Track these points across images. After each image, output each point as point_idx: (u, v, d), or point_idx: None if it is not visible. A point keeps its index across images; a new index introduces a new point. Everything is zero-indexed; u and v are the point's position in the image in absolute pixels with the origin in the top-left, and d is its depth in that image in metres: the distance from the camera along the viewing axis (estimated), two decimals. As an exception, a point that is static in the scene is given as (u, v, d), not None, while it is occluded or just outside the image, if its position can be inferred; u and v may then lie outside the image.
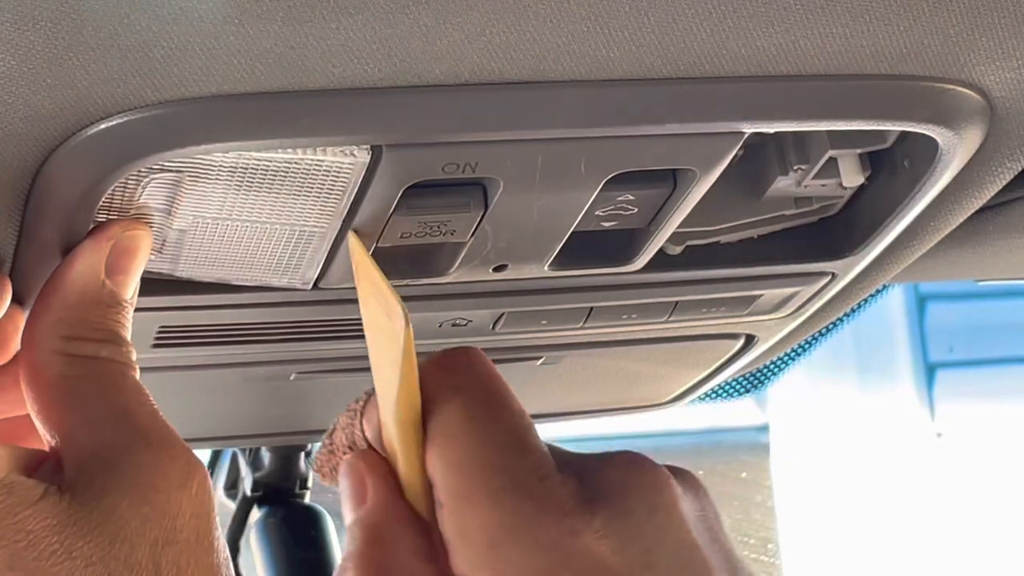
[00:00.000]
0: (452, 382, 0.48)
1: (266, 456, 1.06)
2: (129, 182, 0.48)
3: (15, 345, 0.52)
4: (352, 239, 0.51)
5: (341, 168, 0.48)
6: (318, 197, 0.49)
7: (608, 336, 0.67)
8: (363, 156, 0.48)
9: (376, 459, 0.50)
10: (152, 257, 0.51)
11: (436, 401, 0.48)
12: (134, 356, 0.49)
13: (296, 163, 0.48)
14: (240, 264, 0.53)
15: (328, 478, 0.54)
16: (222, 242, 0.51)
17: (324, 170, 0.48)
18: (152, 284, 0.53)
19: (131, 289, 0.50)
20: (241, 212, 0.50)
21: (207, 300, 0.56)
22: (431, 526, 0.47)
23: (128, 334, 0.50)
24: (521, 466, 0.47)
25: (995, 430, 2.96)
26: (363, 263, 0.49)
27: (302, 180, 0.49)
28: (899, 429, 2.95)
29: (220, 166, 0.48)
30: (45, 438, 0.48)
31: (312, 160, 0.48)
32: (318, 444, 0.53)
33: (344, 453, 0.52)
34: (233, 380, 0.69)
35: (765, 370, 1.15)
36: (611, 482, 0.48)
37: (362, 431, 0.51)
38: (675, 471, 0.50)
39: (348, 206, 0.50)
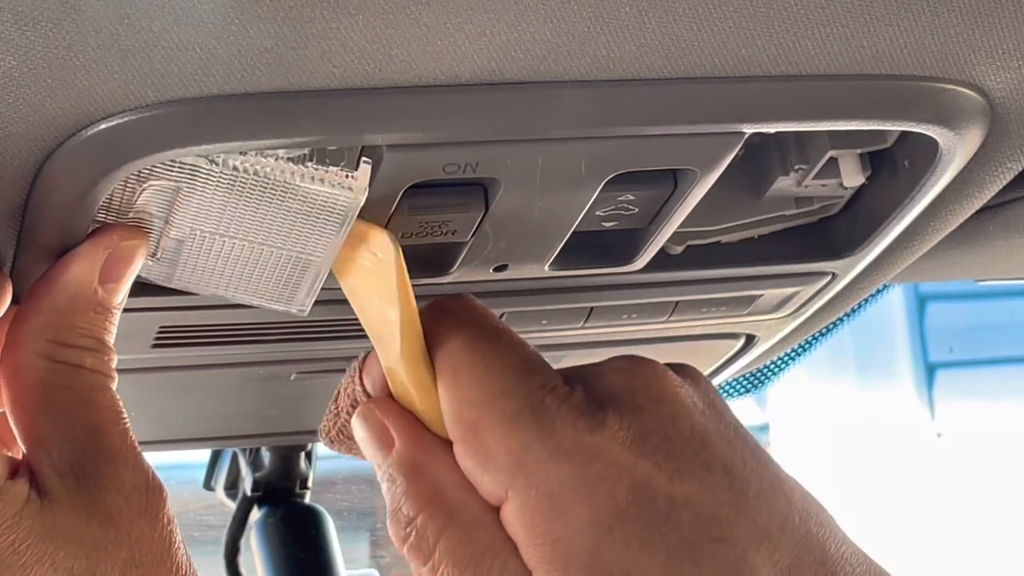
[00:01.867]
0: (451, 322, 0.51)
1: (266, 456, 1.06)
2: (128, 185, 0.48)
3: None
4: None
5: (337, 201, 0.48)
6: (314, 225, 0.49)
7: (608, 336, 0.67)
8: (360, 192, 0.48)
9: (389, 403, 0.52)
10: (148, 263, 0.51)
11: (438, 340, 0.50)
12: (115, 363, 0.50)
13: (293, 189, 0.48)
14: (235, 283, 0.52)
15: (337, 443, 0.54)
16: (218, 258, 0.51)
17: (321, 201, 0.48)
18: (153, 284, 0.53)
19: (122, 296, 0.50)
20: (237, 230, 0.50)
21: (207, 300, 0.56)
22: None
23: (112, 340, 0.50)
24: (530, 386, 0.49)
25: (995, 430, 2.96)
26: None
27: (299, 206, 0.49)
28: (899, 429, 2.95)
29: (219, 180, 0.47)
30: (18, 441, 0.48)
31: (309, 189, 0.48)
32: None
33: (348, 415, 0.52)
34: (233, 380, 0.69)
35: (765, 370, 1.15)
36: (615, 383, 0.51)
37: (363, 387, 0.52)
38: (672, 365, 0.52)
39: (344, 239, 0.50)
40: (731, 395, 1.20)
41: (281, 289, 0.52)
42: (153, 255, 0.51)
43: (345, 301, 0.57)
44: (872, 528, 2.82)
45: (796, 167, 0.56)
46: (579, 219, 0.54)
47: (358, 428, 0.52)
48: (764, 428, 2.89)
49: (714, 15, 0.44)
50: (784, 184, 0.57)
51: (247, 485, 1.06)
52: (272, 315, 0.56)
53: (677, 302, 0.64)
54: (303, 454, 1.05)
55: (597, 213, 0.55)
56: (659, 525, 0.47)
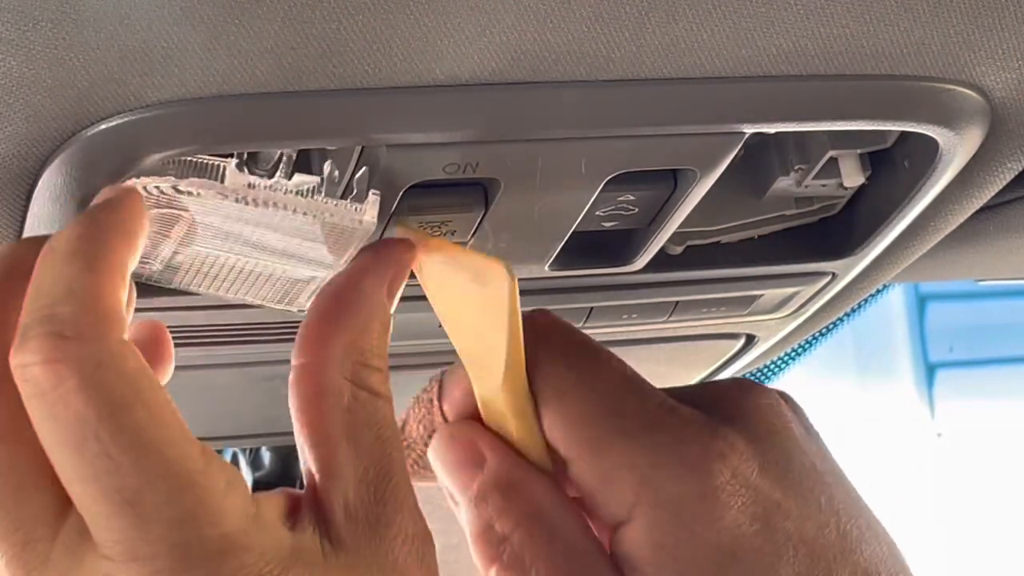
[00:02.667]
0: (547, 344, 0.48)
1: (266, 456, 1.06)
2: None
3: None
4: (401, 228, 0.51)
5: (344, 231, 0.48)
6: (323, 245, 0.49)
7: (608, 336, 0.67)
8: (370, 224, 0.48)
9: (479, 426, 0.49)
10: (149, 271, 0.50)
11: (536, 364, 0.48)
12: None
13: (306, 221, 0.48)
14: (236, 288, 0.52)
15: (413, 474, 0.52)
16: (221, 269, 0.50)
17: (329, 230, 0.48)
18: (152, 284, 0.53)
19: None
20: (243, 250, 0.49)
21: (207, 300, 0.56)
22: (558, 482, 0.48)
23: None
24: (646, 405, 0.48)
25: (995, 430, 2.96)
26: (429, 244, 0.49)
27: (308, 234, 0.48)
28: (899, 428, 2.95)
29: (228, 210, 0.47)
30: (307, 464, 0.44)
31: (325, 220, 0.48)
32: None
33: (425, 444, 0.51)
34: (233, 380, 0.69)
35: (765, 370, 1.15)
36: (732, 408, 0.49)
37: (443, 415, 0.50)
38: (781, 393, 0.51)
39: (351, 258, 0.50)
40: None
41: (283, 296, 0.52)
42: (156, 264, 0.50)
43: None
44: (872, 528, 2.82)
45: (796, 167, 0.56)
46: (579, 219, 0.54)
47: (444, 450, 0.49)
48: (764, 428, 2.89)
49: (714, 15, 0.44)
50: (784, 184, 0.57)
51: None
52: (272, 315, 0.56)
53: (677, 302, 0.64)
54: (303, 454, 1.05)
55: (597, 213, 0.55)
56: (777, 559, 0.46)
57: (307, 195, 0.47)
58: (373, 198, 0.48)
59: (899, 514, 2.85)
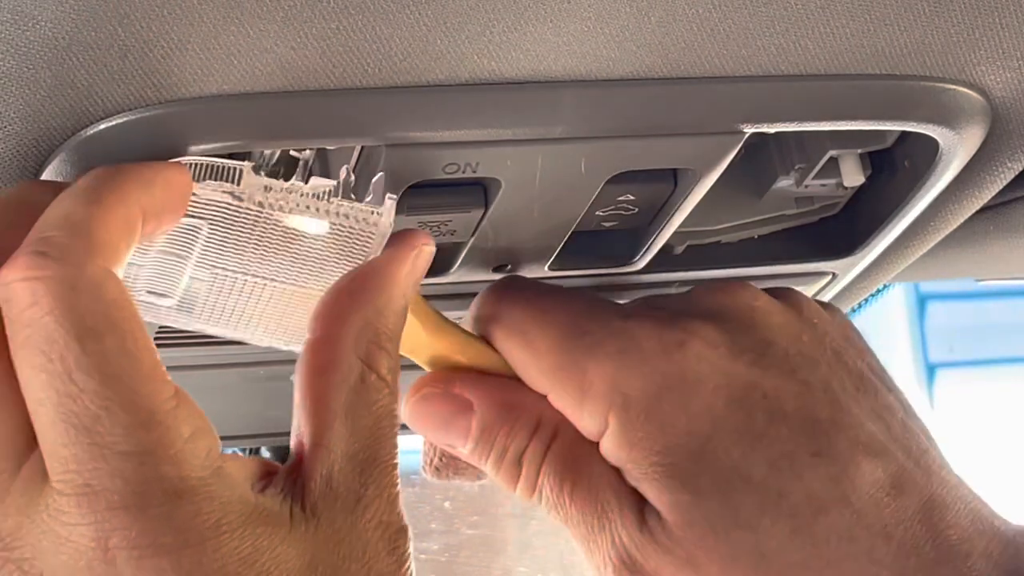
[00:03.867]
0: (502, 296, 0.52)
1: (266, 456, 1.06)
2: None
3: None
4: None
5: (361, 237, 0.48)
6: (337, 261, 0.48)
7: (608, 336, 0.67)
8: (387, 227, 0.47)
9: (438, 375, 0.52)
10: (164, 307, 0.49)
11: (496, 317, 0.52)
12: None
13: (321, 237, 0.47)
14: (255, 324, 0.51)
15: (443, 471, 0.55)
16: (239, 297, 0.49)
17: (345, 236, 0.47)
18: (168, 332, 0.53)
19: None
20: (260, 267, 0.48)
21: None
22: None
23: None
24: (606, 319, 0.50)
25: (995, 430, 2.96)
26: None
27: (323, 242, 0.48)
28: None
29: (244, 216, 0.47)
30: (299, 432, 0.44)
31: (335, 225, 0.47)
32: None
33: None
34: (233, 380, 0.69)
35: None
36: (705, 301, 0.51)
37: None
38: (772, 290, 0.52)
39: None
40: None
41: (302, 332, 0.51)
42: (173, 297, 0.49)
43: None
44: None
45: (796, 167, 0.56)
46: (579, 219, 0.54)
47: (426, 411, 0.51)
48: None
49: (714, 15, 0.44)
50: (784, 184, 0.57)
51: (247, 485, 1.05)
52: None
53: (677, 302, 0.64)
54: (303, 454, 1.05)
55: (597, 213, 0.55)
56: (758, 438, 0.47)
57: (323, 198, 0.47)
58: (390, 203, 0.47)
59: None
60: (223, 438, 0.41)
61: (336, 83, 0.44)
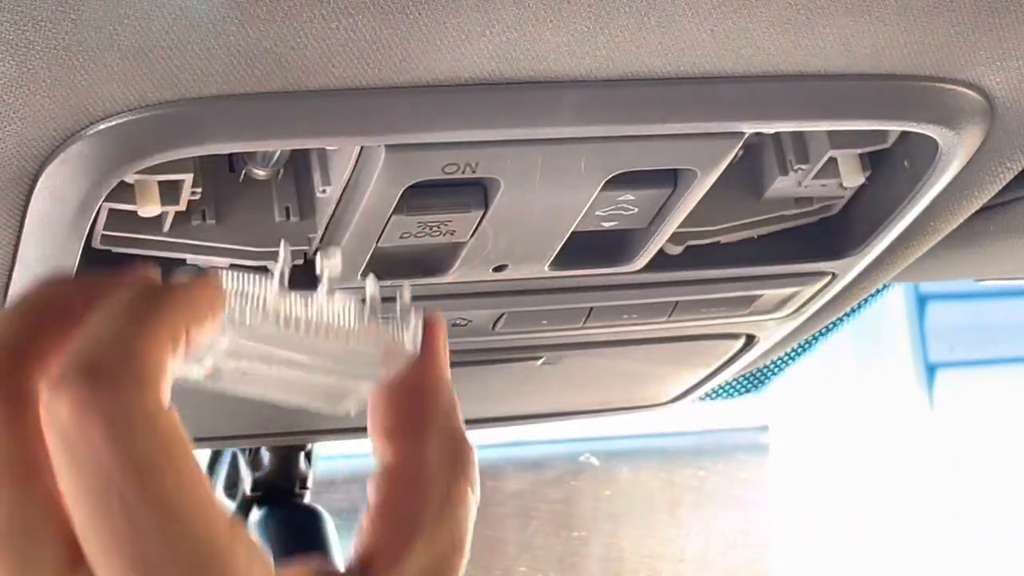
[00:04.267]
0: None
1: (266, 456, 1.06)
2: None
3: None
4: None
5: (391, 353, 0.46)
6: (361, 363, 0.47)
7: (608, 336, 0.67)
8: (411, 347, 0.46)
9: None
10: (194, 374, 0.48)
11: None
12: None
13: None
14: (282, 393, 0.50)
15: None
16: (265, 380, 0.49)
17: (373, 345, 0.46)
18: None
19: None
20: (284, 358, 0.47)
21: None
22: None
23: None
24: None
25: (995, 430, 2.96)
26: None
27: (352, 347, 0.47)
28: (899, 428, 2.95)
29: (270, 314, 0.46)
30: (370, 546, 0.42)
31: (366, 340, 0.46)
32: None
33: None
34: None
35: (765, 370, 1.15)
36: None
37: None
38: None
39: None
40: (731, 395, 1.20)
41: (326, 402, 0.50)
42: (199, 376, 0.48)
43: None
44: (872, 527, 2.81)
45: (796, 167, 0.56)
46: (579, 219, 0.54)
47: None
48: (764, 428, 2.89)
49: (714, 15, 0.44)
50: (784, 184, 0.57)
51: (246, 485, 1.05)
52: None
53: (677, 302, 0.64)
54: (303, 454, 1.05)
55: (597, 213, 0.55)
56: None
57: (349, 316, 0.46)
58: (416, 322, 0.45)
59: (899, 514, 2.85)
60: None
61: (336, 83, 0.44)
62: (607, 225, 0.56)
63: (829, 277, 0.64)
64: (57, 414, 0.37)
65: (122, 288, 0.40)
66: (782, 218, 0.60)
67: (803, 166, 0.56)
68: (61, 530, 0.38)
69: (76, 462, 0.37)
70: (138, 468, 0.37)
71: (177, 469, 0.38)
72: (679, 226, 0.56)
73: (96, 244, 0.51)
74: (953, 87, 0.50)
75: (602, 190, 0.52)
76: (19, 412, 0.39)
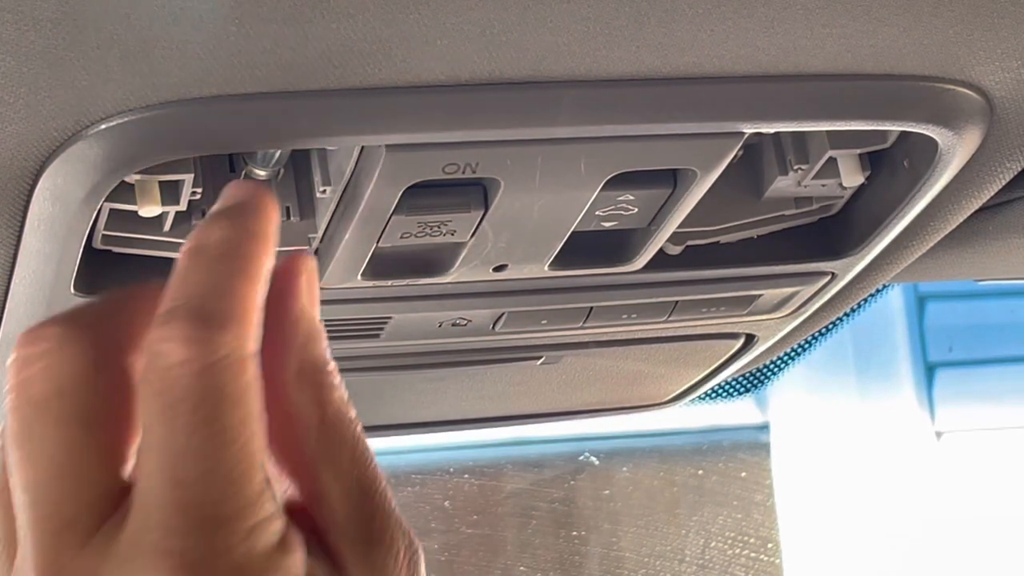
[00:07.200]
0: None
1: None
2: None
3: None
4: None
5: None
6: None
7: (608, 336, 0.67)
8: None
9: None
10: None
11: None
12: None
13: None
14: None
15: None
16: None
17: None
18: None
19: None
20: None
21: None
22: None
23: None
24: None
25: (995, 430, 2.96)
26: None
27: None
28: (899, 429, 2.95)
29: None
30: (287, 493, 0.43)
31: None
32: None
33: None
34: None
35: (765, 370, 1.15)
36: None
37: None
38: None
39: None
40: (731, 395, 1.20)
41: None
42: None
43: (344, 301, 0.57)
44: (873, 527, 2.82)
45: (795, 167, 0.56)
46: (578, 219, 0.54)
47: None
48: (764, 428, 2.89)
49: (713, 15, 0.44)
50: (783, 184, 0.57)
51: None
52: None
53: (677, 302, 0.64)
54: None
55: (597, 213, 0.55)
56: None
57: None
58: None
59: (899, 514, 2.86)
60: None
61: (336, 83, 0.44)
62: (607, 225, 0.56)
63: (829, 277, 0.64)
64: (164, 346, 0.39)
65: (203, 235, 0.42)
66: (782, 218, 0.60)
67: (803, 166, 0.56)
68: (115, 471, 0.40)
69: (165, 384, 0.39)
70: (216, 398, 0.39)
71: (244, 414, 0.40)
72: (679, 226, 0.56)
73: (97, 244, 0.51)
74: (953, 87, 0.50)
75: (602, 190, 0.52)
76: (111, 357, 0.41)
